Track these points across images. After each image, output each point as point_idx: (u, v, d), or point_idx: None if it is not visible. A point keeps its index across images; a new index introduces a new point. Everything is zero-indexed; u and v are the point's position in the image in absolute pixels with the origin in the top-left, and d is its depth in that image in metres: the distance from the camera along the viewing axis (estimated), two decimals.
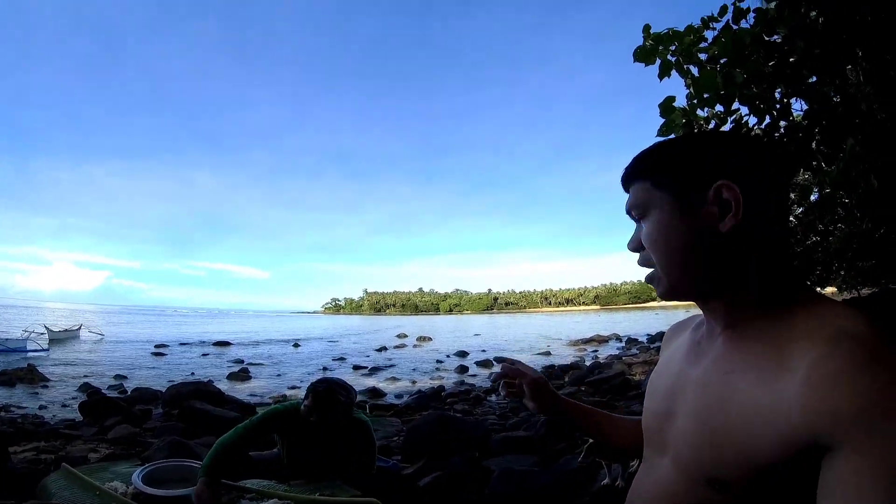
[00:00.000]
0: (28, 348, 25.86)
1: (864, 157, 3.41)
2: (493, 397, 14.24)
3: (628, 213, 0.96)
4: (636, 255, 0.97)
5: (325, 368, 24.16)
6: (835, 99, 3.45)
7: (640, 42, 3.71)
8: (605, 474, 3.54)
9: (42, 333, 30.05)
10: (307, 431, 3.05)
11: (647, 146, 0.94)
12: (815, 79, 3.42)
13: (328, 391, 2.97)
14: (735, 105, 3.69)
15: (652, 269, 0.93)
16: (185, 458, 3.50)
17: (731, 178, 0.83)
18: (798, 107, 3.66)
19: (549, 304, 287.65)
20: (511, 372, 1.33)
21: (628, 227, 0.99)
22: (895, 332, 0.71)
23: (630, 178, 0.95)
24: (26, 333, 28.58)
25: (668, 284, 0.91)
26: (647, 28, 3.66)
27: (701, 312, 0.99)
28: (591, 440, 4.18)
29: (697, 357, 0.94)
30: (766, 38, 3.43)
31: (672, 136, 3.92)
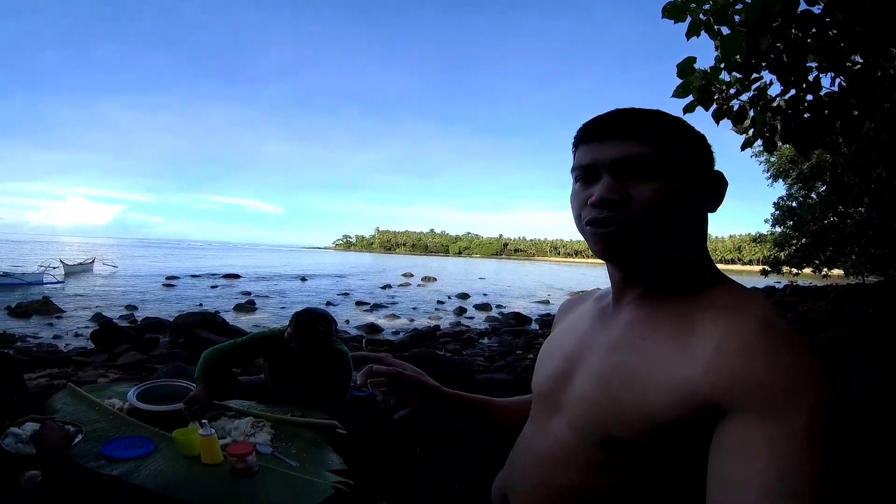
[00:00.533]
0: (44, 281, 26.48)
1: (879, 144, 3.34)
2: (485, 340, 14.42)
3: (608, 164, 0.87)
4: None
5: (329, 303, 24.47)
6: (873, 77, 3.32)
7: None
8: None
9: (56, 267, 30.55)
10: (290, 358, 3.23)
11: (625, 108, 0.92)
12: (854, 57, 3.31)
13: (308, 320, 3.11)
14: (761, 73, 3.62)
15: (605, 228, 0.86)
16: (174, 379, 3.77)
17: (701, 157, 0.91)
18: (827, 84, 3.57)
19: (559, 253, 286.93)
20: (384, 373, 1.15)
21: None
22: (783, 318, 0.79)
23: (623, 132, 0.88)
24: (42, 267, 29.20)
25: (634, 242, 0.86)
26: None
27: (600, 288, 1.12)
28: None
29: (604, 323, 0.98)
30: (805, 8, 3.26)
31: (689, 98, 3.78)
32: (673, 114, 0.92)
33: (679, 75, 3.73)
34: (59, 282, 27.45)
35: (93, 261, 39.00)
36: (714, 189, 0.91)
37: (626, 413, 0.81)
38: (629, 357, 0.86)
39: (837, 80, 3.51)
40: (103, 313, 17.17)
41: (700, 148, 0.91)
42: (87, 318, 16.53)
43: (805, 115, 3.66)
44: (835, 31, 3.18)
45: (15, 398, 2.83)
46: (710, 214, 0.92)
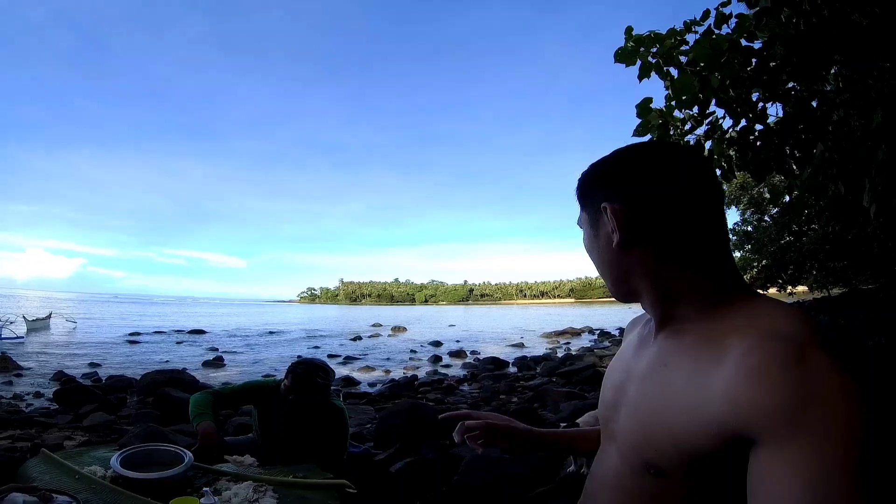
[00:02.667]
0: (3, 336, 25.35)
1: (834, 163, 3.48)
2: (466, 387, 14.25)
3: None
4: None
5: (299, 357, 24.02)
6: (813, 104, 3.55)
7: (622, 43, 3.76)
8: (572, 461, 3.66)
9: (13, 322, 29.38)
10: (284, 410, 3.07)
11: (589, 164, 1.03)
12: (792, 84, 3.51)
13: (307, 372, 3.01)
14: (711, 108, 3.77)
15: None
16: (161, 442, 3.53)
17: (614, 198, 0.93)
18: (773, 112, 3.74)
19: (525, 296, 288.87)
20: (478, 426, 1.25)
21: None
22: (828, 335, 0.74)
23: (577, 198, 1.05)
24: (1, 322, 28.06)
25: (609, 288, 1.01)
26: (629, 30, 3.72)
27: None
28: (567, 426, 4.32)
29: (641, 352, 1.00)
30: (746, 44, 3.50)
31: (648, 136, 3.95)
32: (613, 152, 1.00)
33: (638, 115, 3.92)
34: (18, 337, 26.14)
35: (49, 315, 37.24)
36: (614, 225, 0.93)
37: (658, 443, 0.84)
38: (655, 387, 0.88)
39: (781, 109, 3.71)
40: (65, 371, 16.45)
41: (595, 188, 0.99)
42: (49, 377, 15.72)
43: (757, 144, 3.83)
44: (775, 63, 3.37)
45: None
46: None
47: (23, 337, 26.96)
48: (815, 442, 0.64)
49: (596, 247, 1.00)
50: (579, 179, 1.03)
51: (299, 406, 3.02)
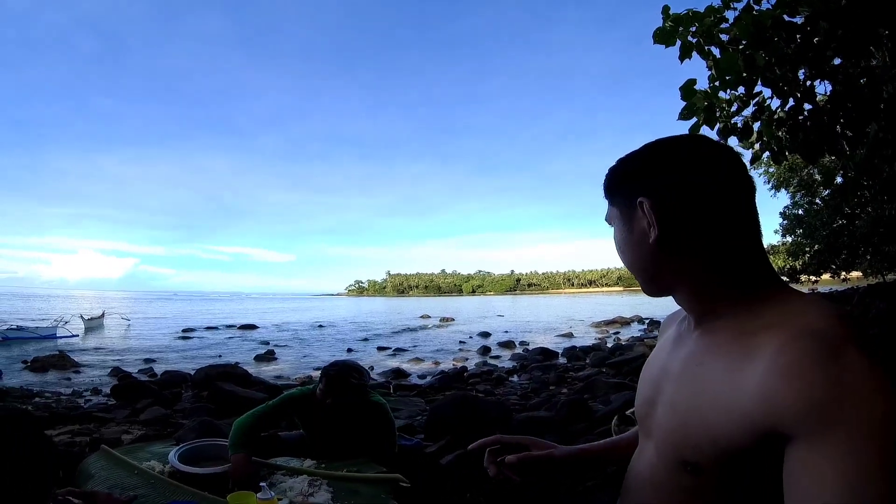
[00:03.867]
0: (58, 335, 26.28)
1: (888, 143, 3.40)
2: (515, 378, 14.21)
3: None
4: None
5: (349, 350, 24.31)
6: (860, 81, 3.41)
7: (641, 27, 3.70)
8: None
9: (68, 321, 30.29)
10: (324, 415, 3.06)
11: (616, 159, 1.01)
12: (839, 61, 3.38)
13: (340, 374, 3.00)
14: (758, 87, 3.65)
15: None
16: (216, 437, 3.55)
17: (651, 193, 0.91)
18: (822, 90, 3.63)
19: (572, 285, 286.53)
20: (518, 461, 1.16)
21: None
22: (864, 331, 0.74)
23: (605, 194, 1.04)
24: (56, 321, 28.96)
25: (641, 285, 1.01)
26: (666, 9, 3.61)
27: None
28: (618, 416, 4.26)
29: (678, 349, 1.00)
30: (788, 20, 3.37)
31: (693, 119, 3.88)
32: (654, 140, 0.98)
33: (683, 98, 3.82)
34: (73, 336, 27.17)
35: (103, 314, 38.31)
36: (651, 221, 0.91)
37: (695, 440, 0.84)
38: (692, 385, 0.88)
39: (829, 86, 3.59)
40: (121, 367, 16.99)
41: (628, 184, 0.96)
42: (106, 373, 16.24)
43: (807, 124, 3.70)
44: (819, 39, 3.26)
45: (60, 471, 2.57)
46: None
47: (78, 335, 27.95)
48: (851, 438, 0.64)
49: (629, 243, 0.97)
50: (607, 174, 1.02)
51: (338, 408, 3.02)
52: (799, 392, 0.68)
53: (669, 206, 0.90)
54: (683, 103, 3.85)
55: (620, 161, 1.00)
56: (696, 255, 0.90)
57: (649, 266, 0.95)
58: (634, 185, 0.94)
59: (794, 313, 0.80)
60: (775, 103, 3.83)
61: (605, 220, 1.04)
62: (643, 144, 0.98)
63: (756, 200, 0.94)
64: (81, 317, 33.70)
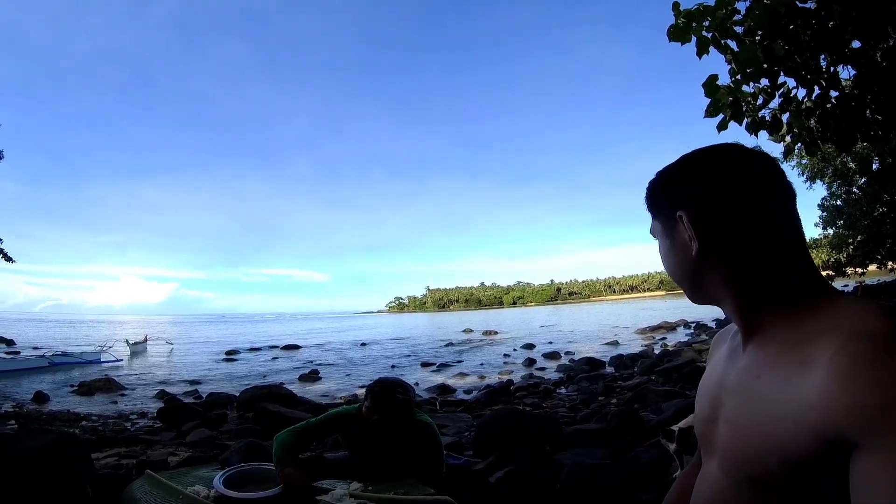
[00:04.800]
0: (102, 360, 27.04)
1: None
2: (563, 389, 14.09)
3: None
4: None
5: (393, 366, 24.44)
6: (883, 63, 3.36)
7: (665, 21, 3.59)
8: (677, 466, 3.49)
9: (111, 346, 30.91)
10: (371, 433, 3.04)
11: (656, 172, 1.03)
12: (858, 44, 3.30)
13: (385, 390, 2.98)
14: (781, 78, 3.60)
15: None
16: (262, 459, 3.54)
17: (688, 205, 0.92)
18: (846, 74, 3.56)
19: (614, 291, 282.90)
20: None
21: None
22: None
23: (647, 207, 1.05)
24: (100, 347, 29.80)
25: (687, 294, 1.02)
26: (676, 6, 3.56)
27: None
28: (662, 431, 4.14)
29: (732, 364, 0.97)
30: (801, 6, 3.32)
31: (720, 116, 3.82)
32: (693, 150, 0.98)
33: (707, 94, 3.76)
34: (118, 360, 27.94)
35: (146, 339, 38.83)
36: (692, 233, 0.92)
37: (759, 454, 0.81)
38: (751, 399, 0.86)
39: (853, 71, 3.50)
40: (167, 390, 17.37)
41: (667, 197, 0.97)
42: (151, 396, 16.68)
43: (837, 112, 3.63)
44: (834, 23, 3.18)
45: (89, 490, 2.58)
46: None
47: (122, 360, 28.66)
48: None
49: (673, 256, 0.99)
50: (648, 188, 1.03)
51: (385, 426, 2.99)
52: (856, 397, 0.67)
53: (707, 217, 0.91)
54: (709, 100, 3.80)
55: (659, 174, 1.01)
56: (740, 264, 0.90)
57: (694, 277, 0.97)
58: (673, 198, 0.96)
59: (844, 317, 0.78)
60: (801, 93, 3.77)
61: (650, 233, 1.06)
62: (681, 156, 0.98)
63: (797, 205, 0.93)
64: (126, 341, 34.54)
